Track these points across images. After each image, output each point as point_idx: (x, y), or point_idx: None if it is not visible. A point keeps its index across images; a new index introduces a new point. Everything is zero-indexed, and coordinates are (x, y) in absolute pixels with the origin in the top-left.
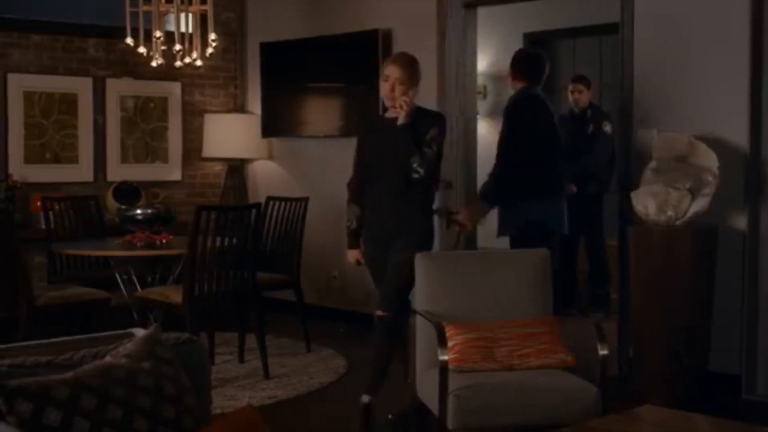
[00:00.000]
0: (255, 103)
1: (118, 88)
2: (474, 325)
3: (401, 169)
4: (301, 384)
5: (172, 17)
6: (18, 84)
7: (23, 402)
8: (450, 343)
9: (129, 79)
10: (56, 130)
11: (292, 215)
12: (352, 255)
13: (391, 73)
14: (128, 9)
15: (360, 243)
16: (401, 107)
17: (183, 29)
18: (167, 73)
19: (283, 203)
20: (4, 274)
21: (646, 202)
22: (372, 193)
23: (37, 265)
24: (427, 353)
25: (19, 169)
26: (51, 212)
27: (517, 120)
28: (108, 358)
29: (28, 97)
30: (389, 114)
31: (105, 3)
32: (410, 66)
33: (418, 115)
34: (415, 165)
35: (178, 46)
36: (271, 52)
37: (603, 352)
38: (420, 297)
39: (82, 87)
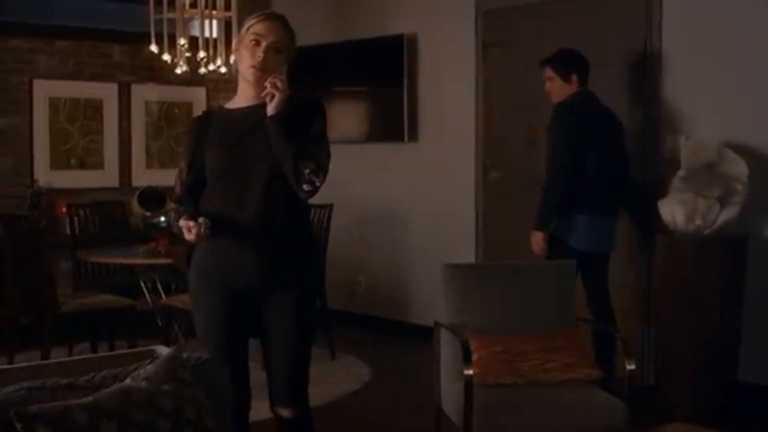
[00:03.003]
0: None
1: (143, 93)
2: (499, 338)
3: (275, 181)
4: (325, 393)
5: (196, 23)
6: (43, 90)
7: (43, 428)
8: (475, 357)
9: (154, 84)
10: (81, 135)
11: (316, 222)
12: (187, 225)
13: (265, 33)
14: (152, 15)
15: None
16: (275, 88)
17: (207, 35)
18: (192, 78)
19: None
20: (30, 280)
21: (673, 210)
22: (221, 224)
23: (63, 271)
24: (451, 366)
25: (45, 175)
26: (76, 218)
27: (572, 122)
28: (128, 381)
29: (54, 103)
30: (242, 100)
31: (130, 8)
32: (291, 28)
33: (291, 101)
34: (307, 172)
35: (202, 53)
36: (295, 57)
37: (630, 366)
38: (445, 309)
39: (107, 92)
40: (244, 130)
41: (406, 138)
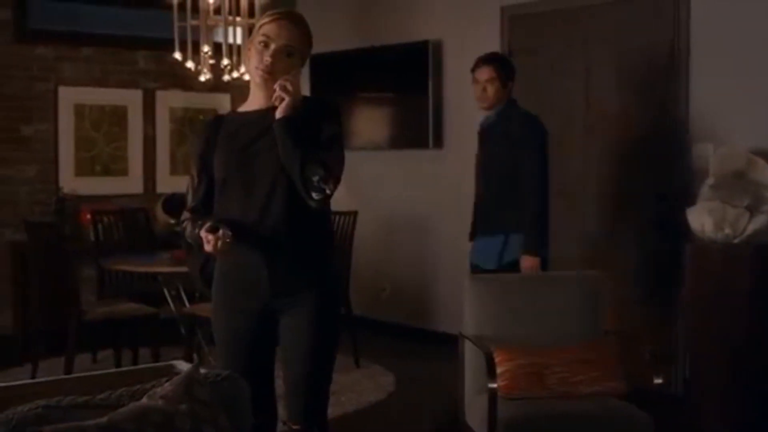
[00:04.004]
0: None
1: (167, 100)
2: (524, 351)
3: (282, 188)
4: (350, 402)
5: (220, 29)
6: (69, 97)
7: None
8: (499, 370)
9: (178, 91)
10: (106, 142)
11: (341, 229)
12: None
13: (275, 34)
14: (176, 23)
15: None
16: (284, 91)
17: (231, 41)
18: (217, 84)
19: (332, 217)
20: (54, 288)
21: (702, 219)
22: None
23: (88, 278)
24: (475, 378)
25: (70, 182)
26: (100, 225)
27: (544, 139)
28: (144, 400)
29: (79, 109)
30: (253, 104)
31: (155, 15)
32: (306, 29)
33: (304, 104)
34: (316, 180)
35: (225, 61)
36: (320, 63)
37: (657, 380)
38: (469, 320)
39: (132, 99)
40: (252, 135)
41: (431, 145)
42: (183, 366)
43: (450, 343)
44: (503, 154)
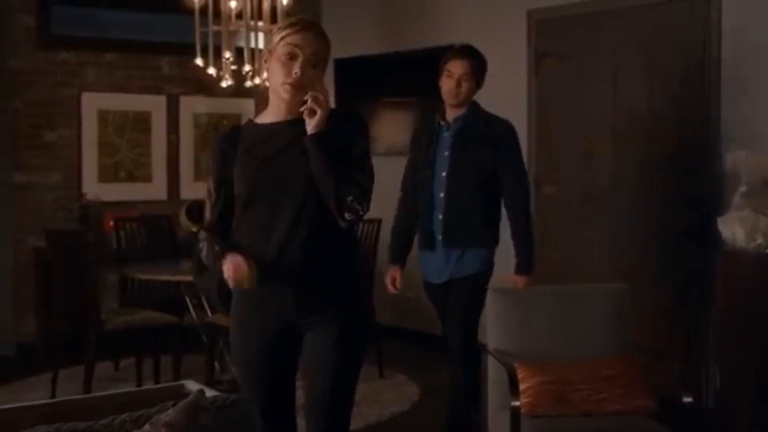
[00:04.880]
0: None
1: (191, 105)
2: (548, 366)
3: (311, 205)
4: (372, 413)
5: (242, 35)
6: (92, 103)
7: None
8: (522, 386)
9: (202, 96)
10: (130, 148)
11: (365, 237)
12: (234, 259)
13: (302, 45)
14: (198, 28)
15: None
16: (317, 103)
17: (253, 45)
18: (241, 89)
19: (355, 225)
20: (74, 297)
21: (733, 228)
22: (251, 249)
23: (111, 285)
24: (498, 394)
25: (93, 188)
26: (122, 232)
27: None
28: (147, 427)
29: (102, 115)
30: (274, 115)
31: (178, 20)
32: (327, 37)
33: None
34: (350, 200)
35: (247, 67)
36: (345, 68)
37: (687, 399)
38: (492, 335)
39: (155, 105)
40: (276, 149)
41: None
42: (193, 387)
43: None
44: (477, 160)
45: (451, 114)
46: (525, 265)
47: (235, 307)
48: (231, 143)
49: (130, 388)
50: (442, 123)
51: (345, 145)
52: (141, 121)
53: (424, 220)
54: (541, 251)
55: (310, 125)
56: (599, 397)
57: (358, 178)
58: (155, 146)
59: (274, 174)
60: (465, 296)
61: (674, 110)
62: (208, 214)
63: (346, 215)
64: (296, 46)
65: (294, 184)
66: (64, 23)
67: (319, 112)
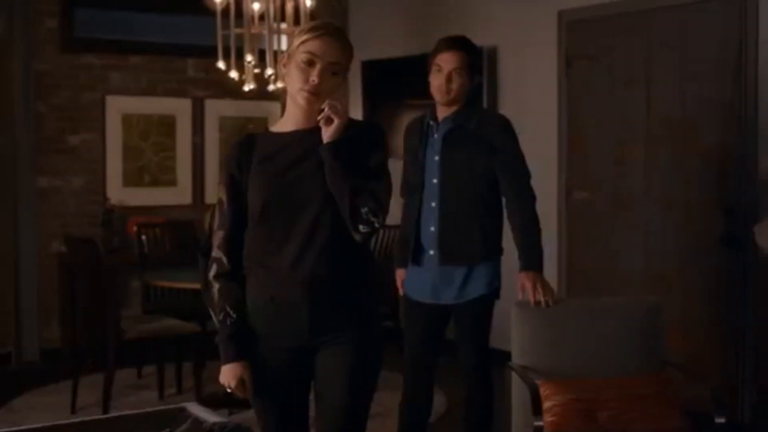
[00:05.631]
0: None
1: (217, 108)
2: (574, 384)
3: (329, 219)
4: (395, 426)
5: (265, 37)
6: (116, 106)
7: None
8: (547, 404)
9: (228, 99)
10: (154, 152)
11: (386, 243)
12: (232, 373)
13: (321, 52)
14: (219, 31)
15: (246, 351)
16: (334, 111)
17: (276, 48)
18: (266, 92)
19: (380, 230)
20: (94, 305)
21: None
22: (264, 262)
23: (135, 291)
24: (523, 412)
25: (118, 193)
26: (145, 237)
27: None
28: None
29: (126, 119)
30: (291, 124)
31: (203, 22)
32: (349, 44)
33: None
34: (365, 212)
35: (270, 70)
36: (371, 70)
37: (719, 419)
38: (516, 350)
39: (180, 108)
40: (292, 159)
41: None
42: (194, 409)
43: (502, 360)
44: (471, 164)
45: (441, 113)
46: (532, 260)
47: (250, 324)
48: (246, 152)
49: (151, 394)
50: (432, 123)
51: (362, 156)
52: (166, 125)
53: (410, 231)
54: (571, 259)
55: (326, 134)
56: (629, 416)
57: (374, 190)
58: (180, 150)
59: (290, 185)
60: (476, 319)
61: (709, 113)
62: (216, 223)
63: (361, 227)
64: (315, 52)
65: (310, 195)
66: (87, 26)
67: (336, 121)
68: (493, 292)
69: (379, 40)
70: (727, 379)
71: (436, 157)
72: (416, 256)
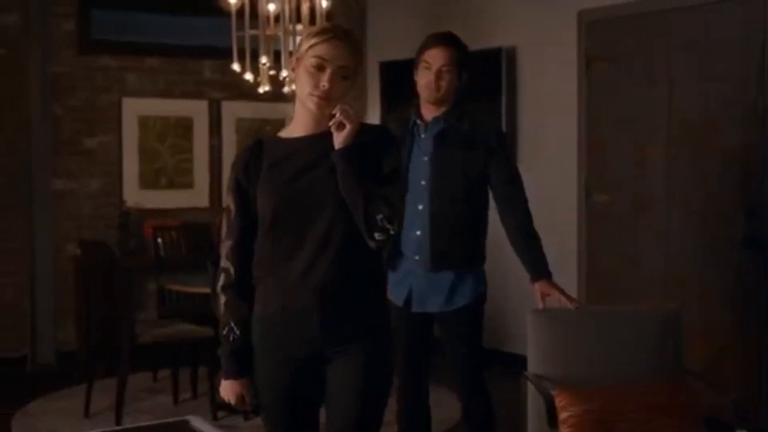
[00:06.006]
0: (376, 123)
1: (233, 110)
2: (591, 393)
3: (341, 225)
4: None
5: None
6: (133, 108)
7: None
8: (563, 415)
9: (245, 101)
10: (171, 154)
11: None
12: (232, 389)
13: (331, 57)
14: (234, 32)
15: (247, 367)
16: (345, 116)
17: (291, 49)
18: (283, 94)
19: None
20: (108, 309)
21: None
22: (275, 271)
23: (151, 293)
24: (539, 422)
25: (134, 195)
26: (161, 240)
27: None
28: None
29: (143, 121)
30: (300, 129)
31: (220, 23)
32: (359, 47)
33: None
34: (380, 218)
35: (285, 72)
36: (390, 70)
37: (741, 431)
38: (531, 359)
39: (197, 110)
40: (303, 164)
41: None
42: (198, 423)
43: (520, 364)
44: (465, 167)
45: (429, 113)
46: (544, 267)
47: (257, 333)
48: (255, 157)
49: (166, 398)
50: (419, 122)
51: (375, 161)
52: (182, 127)
53: None
54: (591, 261)
55: (338, 139)
56: (648, 427)
57: (389, 196)
58: (197, 152)
59: (301, 191)
60: (467, 328)
61: (730, 114)
62: (224, 230)
63: (376, 235)
64: (324, 56)
65: (321, 202)
66: (104, 28)
67: (347, 126)
68: (481, 297)
69: (397, 40)
70: (748, 386)
71: (425, 158)
72: (392, 260)
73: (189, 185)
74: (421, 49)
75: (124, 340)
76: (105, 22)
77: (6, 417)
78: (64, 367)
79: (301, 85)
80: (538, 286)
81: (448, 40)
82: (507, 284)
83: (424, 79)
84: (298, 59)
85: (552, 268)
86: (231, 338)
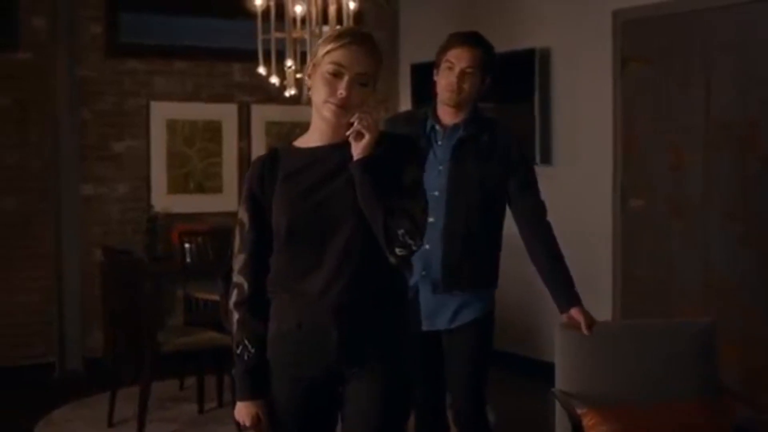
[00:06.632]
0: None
1: (263, 113)
2: (621, 412)
3: (361, 240)
4: None
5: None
6: (161, 112)
7: None
8: None
9: (275, 104)
10: (200, 158)
11: None
12: (246, 411)
13: (349, 63)
14: (260, 35)
15: (263, 387)
16: (365, 127)
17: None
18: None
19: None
20: (131, 318)
21: None
22: (291, 287)
23: (180, 300)
24: None
25: (162, 200)
26: (188, 246)
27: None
28: None
29: (171, 125)
30: (317, 138)
31: (249, 26)
32: (379, 53)
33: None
34: (401, 233)
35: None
36: (422, 72)
37: None
38: (560, 376)
39: (226, 114)
40: (320, 176)
41: (537, 160)
42: None
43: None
44: (485, 178)
45: (447, 117)
46: (573, 298)
47: (271, 352)
48: (270, 168)
49: (192, 407)
50: (438, 128)
51: (395, 172)
52: (211, 131)
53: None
54: (626, 269)
55: (357, 150)
56: None
57: (410, 209)
58: (226, 156)
59: (318, 204)
60: (470, 346)
61: None
62: (236, 247)
63: (397, 250)
64: (342, 63)
65: (340, 215)
66: (132, 31)
67: (366, 135)
68: (492, 311)
69: (429, 42)
70: None
71: (440, 167)
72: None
73: (218, 189)
74: (444, 48)
75: (146, 349)
76: (133, 25)
77: (30, 424)
78: (91, 373)
79: (318, 92)
80: (573, 314)
81: (473, 39)
82: (540, 292)
83: (444, 80)
84: (314, 65)
85: (585, 275)
86: (245, 357)
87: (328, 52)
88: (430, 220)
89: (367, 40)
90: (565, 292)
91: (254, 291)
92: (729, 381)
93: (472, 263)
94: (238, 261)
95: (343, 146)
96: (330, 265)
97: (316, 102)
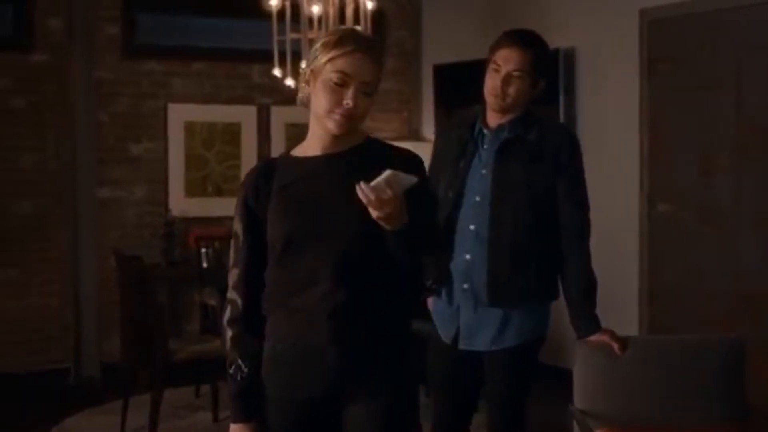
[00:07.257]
0: (429, 129)
1: (283, 115)
2: None
3: (363, 253)
4: None
5: None
6: (179, 114)
7: None
8: None
9: (295, 106)
10: (218, 161)
11: None
12: None
13: (354, 72)
14: (275, 36)
15: (258, 408)
16: (386, 212)
17: None
18: None
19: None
20: (142, 325)
21: None
22: (287, 303)
23: (197, 305)
24: None
25: (180, 203)
26: (205, 250)
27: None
28: None
29: (189, 127)
30: (316, 147)
31: (268, 26)
32: (382, 60)
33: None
34: (429, 284)
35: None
36: (444, 73)
37: None
38: (578, 393)
39: (245, 116)
40: (318, 188)
41: None
42: None
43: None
44: (531, 183)
45: (493, 119)
46: (595, 323)
47: (267, 371)
48: (265, 178)
49: (206, 416)
50: (486, 131)
51: (413, 210)
52: (230, 133)
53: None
54: (653, 276)
55: (389, 225)
56: None
57: (437, 254)
58: (245, 159)
59: (315, 217)
60: (510, 373)
61: None
62: (232, 260)
63: (423, 296)
64: (347, 73)
65: (338, 228)
66: (149, 32)
67: (390, 211)
68: (541, 337)
69: (451, 43)
70: None
71: (484, 171)
72: (438, 282)
73: (236, 193)
74: (494, 48)
75: (157, 357)
76: (150, 26)
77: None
78: (108, 380)
79: (319, 101)
80: (592, 341)
81: (524, 39)
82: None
83: (490, 83)
84: (313, 72)
85: (610, 284)
86: (238, 377)
87: (331, 60)
88: (470, 227)
89: (372, 45)
90: (585, 324)
91: (248, 307)
92: (759, 402)
93: (524, 278)
94: (233, 276)
95: (343, 156)
96: (327, 280)
97: (317, 111)
